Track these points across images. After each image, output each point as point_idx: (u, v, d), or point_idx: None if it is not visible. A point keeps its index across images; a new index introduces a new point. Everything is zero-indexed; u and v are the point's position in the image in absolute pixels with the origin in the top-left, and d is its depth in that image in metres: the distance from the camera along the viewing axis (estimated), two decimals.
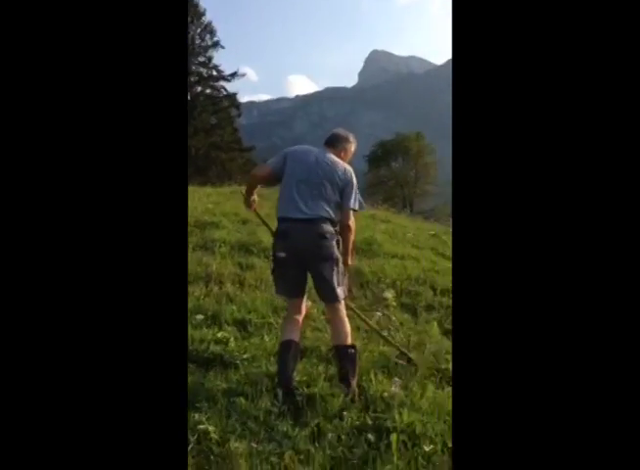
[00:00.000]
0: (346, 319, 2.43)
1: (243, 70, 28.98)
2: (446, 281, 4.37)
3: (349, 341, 2.38)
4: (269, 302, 3.45)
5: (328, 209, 2.36)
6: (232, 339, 2.73)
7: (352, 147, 2.65)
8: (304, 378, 2.23)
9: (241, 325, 3.02)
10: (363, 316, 3.00)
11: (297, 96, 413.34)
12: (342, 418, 2.00)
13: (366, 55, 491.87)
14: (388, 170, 34.22)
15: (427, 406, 2.13)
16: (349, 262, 2.53)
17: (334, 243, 2.35)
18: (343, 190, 2.41)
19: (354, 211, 2.46)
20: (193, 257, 4.13)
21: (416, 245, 5.88)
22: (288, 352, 2.28)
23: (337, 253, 2.36)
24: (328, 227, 2.34)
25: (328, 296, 2.41)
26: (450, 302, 3.92)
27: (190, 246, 4.42)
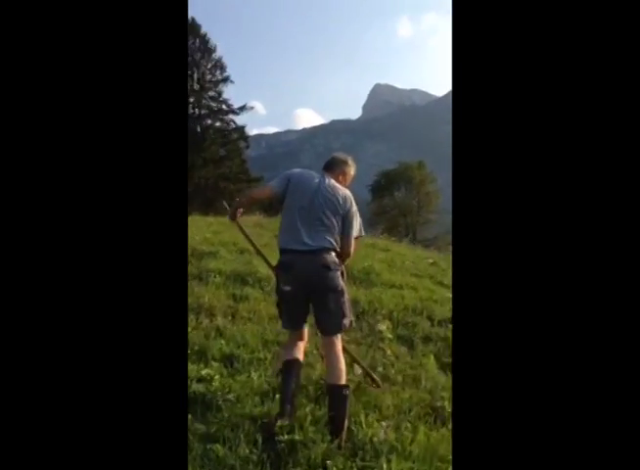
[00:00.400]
0: (342, 355, 2.29)
1: (252, 103, 29.50)
2: (444, 311, 4.22)
3: (344, 380, 2.23)
4: (260, 335, 3.31)
5: (330, 238, 2.27)
6: (217, 376, 2.58)
7: (351, 170, 2.57)
8: (287, 422, 2.08)
9: (228, 361, 2.87)
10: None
11: (303, 129, 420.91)
12: (325, 468, 1.84)
13: (369, 88, 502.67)
14: (392, 200, 34.33)
15: (418, 452, 1.97)
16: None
17: (338, 274, 2.26)
18: (345, 217, 2.34)
19: (356, 238, 2.40)
20: None
21: (415, 273, 5.74)
22: (291, 372, 2.22)
23: (341, 283, 2.27)
24: (331, 258, 2.25)
25: (332, 327, 2.27)
26: (447, 333, 3.77)
27: None
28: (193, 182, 24.81)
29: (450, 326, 3.94)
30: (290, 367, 2.23)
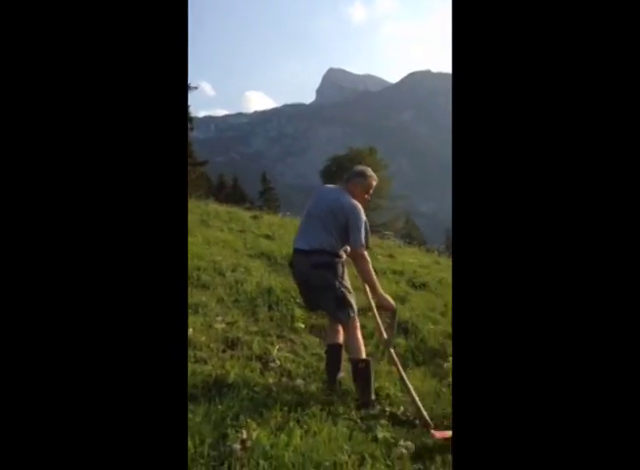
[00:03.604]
0: (357, 334, 2.53)
1: (200, 84, 28.58)
2: (365, 298, 4.04)
3: (360, 355, 2.48)
4: None
5: (324, 241, 2.46)
6: None
7: (367, 181, 2.64)
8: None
9: None
10: (400, 369, 2.51)
11: (255, 112, 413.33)
12: None
13: (323, 73, 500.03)
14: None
15: (289, 456, 1.75)
16: (386, 304, 2.53)
17: (326, 272, 2.45)
18: (347, 227, 2.46)
19: (358, 248, 2.45)
20: None
21: None
22: (331, 354, 2.61)
23: (331, 280, 2.46)
24: (322, 258, 2.45)
25: (333, 318, 2.61)
26: (365, 321, 3.59)
27: None
28: None
29: (369, 314, 3.78)
30: (330, 351, 2.62)
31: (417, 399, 2.37)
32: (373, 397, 2.44)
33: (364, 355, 2.50)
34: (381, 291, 2.53)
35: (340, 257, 2.53)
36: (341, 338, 2.63)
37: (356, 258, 2.48)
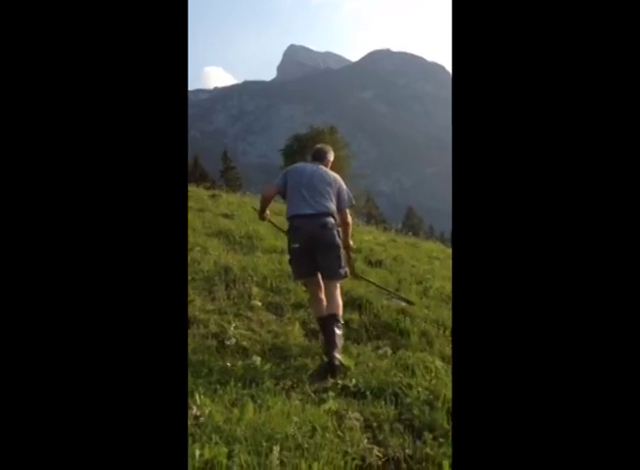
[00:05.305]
0: (339, 297, 2.95)
1: None
2: None
3: (340, 311, 2.89)
4: None
5: (328, 205, 2.90)
6: None
7: (332, 156, 3.28)
8: None
9: None
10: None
11: (215, 88, 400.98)
12: None
13: (283, 49, 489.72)
14: None
15: (243, 431, 1.78)
16: (352, 246, 3.22)
17: (335, 232, 2.88)
18: (338, 193, 2.99)
19: (349, 207, 3.06)
20: None
21: None
22: (326, 326, 2.79)
23: (338, 240, 2.89)
24: (329, 220, 2.87)
25: (333, 275, 2.90)
26: None
27: None
28: None
29: None
30: (323, 323, 2.83)
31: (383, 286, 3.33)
32: (339, 354, 2.65)
33: (338, 314, 2.86)
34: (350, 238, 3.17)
35: (337, 220, 2.96)
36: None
37: (345, 215, 3.04)
